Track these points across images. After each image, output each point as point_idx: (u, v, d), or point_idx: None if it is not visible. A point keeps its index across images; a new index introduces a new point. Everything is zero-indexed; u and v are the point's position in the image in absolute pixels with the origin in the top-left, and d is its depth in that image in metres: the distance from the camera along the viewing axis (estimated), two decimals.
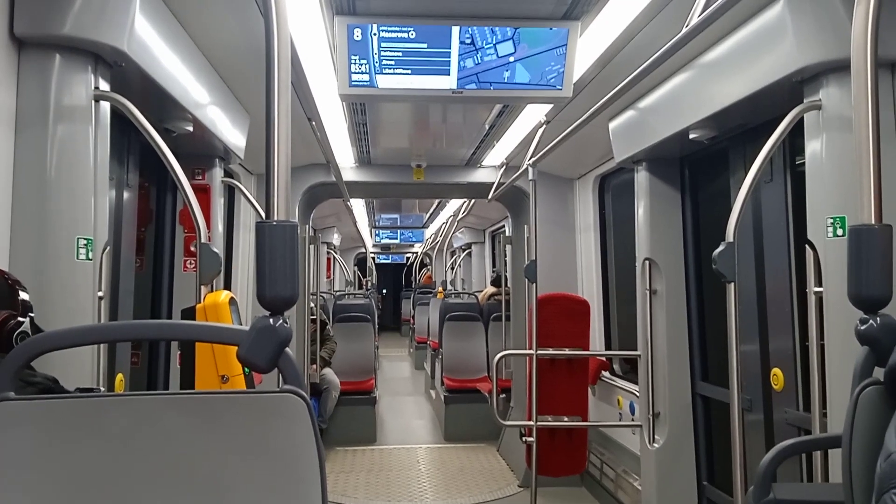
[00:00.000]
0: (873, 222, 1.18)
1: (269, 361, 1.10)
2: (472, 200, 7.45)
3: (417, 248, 16.01)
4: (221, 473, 1.10)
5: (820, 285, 2.32)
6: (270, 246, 1.11)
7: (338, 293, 10.81)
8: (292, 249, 1.13)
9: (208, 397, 1.16)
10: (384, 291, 20.82)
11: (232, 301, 2.35)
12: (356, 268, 17.14)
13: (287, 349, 1.12)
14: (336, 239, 12.42)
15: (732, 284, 2.44)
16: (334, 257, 13.18)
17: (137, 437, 1.10)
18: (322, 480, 1.11)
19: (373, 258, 16.15)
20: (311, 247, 5.48)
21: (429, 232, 13.20)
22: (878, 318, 1.17)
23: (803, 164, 2.43)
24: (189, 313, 2.33)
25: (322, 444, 1.13)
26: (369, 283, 14.02)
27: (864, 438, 1.14)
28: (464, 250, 12.90)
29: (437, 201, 9.34)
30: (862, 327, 1.18)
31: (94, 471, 1.09)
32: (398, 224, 13.08)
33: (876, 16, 1.18)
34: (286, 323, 1.12)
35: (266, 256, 1.11)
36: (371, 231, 13.68)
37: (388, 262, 20.70)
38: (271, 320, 1.11)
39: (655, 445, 3.72)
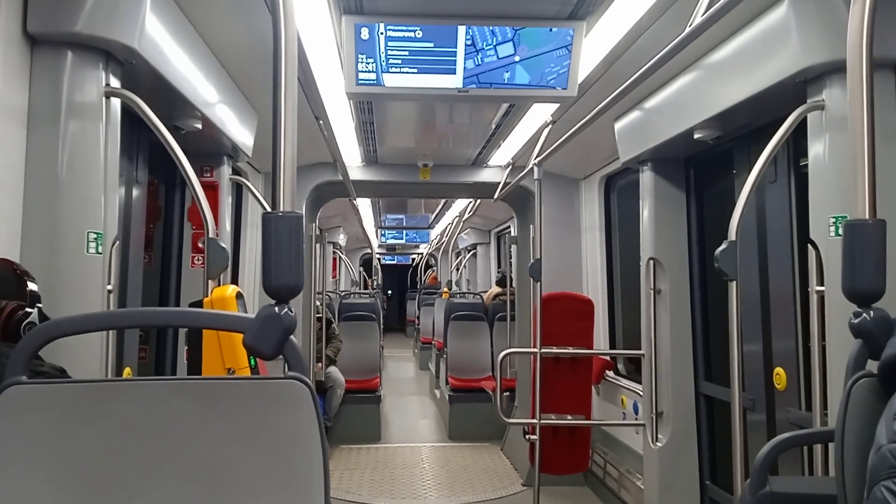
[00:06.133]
0: (867, 217, 1.20)
1: (274, 348, 1.12)
2: (478, 200, 7.47)
3: (423, 248, 16.02)
4: (225, 458, 1.12)
5: (822, 284, 2.34)
6: (276, 236, 1.14)
7: (343, 293, 10.84)
8: (297, 240, 1.15)
9: (214, 383, 1.19)
10: (389, 293, 20.83)
11: (238, 295, 2.38)
12: (362, 268, 17.17)
13: (292, 337, 1.15)
14: (342, 239, 12.45)
15: (734, 283, 2.46)
16: (340, 257, 13.22)
17: (144, 422, 1.13)
18: (325, 466, 1.14)
19: (378, 259, 16.19)
20: (318, 245, 5.51)
21: (434, 232, 13.22)
22: (872, 312, 1.19)
23: (807, 164, 2.45)
24: (196, 307, 2.36)
25: (325, 430, 1.15)
26: (375, 283, 14.04)
27: (856, 431, 1.16)
28: (469, 251, 12.91)
29: (442, 201, 9.36)
30: (855, 321, 1.20)
31: (102, 454, 1.11)
32: (404, 224, 13.10)
33: (871, 14, 1.20)
34: (291, 311, 1.14)
35: (272, 246, 1.14)
36: (377, 231, 13.71)
37: (394, 262, 20.71)
38: (276, 308, 1.13)
39: (658, 445, 3.73)
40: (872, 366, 1.18)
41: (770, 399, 3.10)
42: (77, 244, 2.11)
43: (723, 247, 2.40)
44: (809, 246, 2.38)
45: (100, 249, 2.16)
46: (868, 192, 1.20)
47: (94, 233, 2.15)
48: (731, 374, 2.50)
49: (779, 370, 2.99)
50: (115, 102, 2.27)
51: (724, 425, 3.42)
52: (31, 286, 1.77)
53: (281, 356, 1.16)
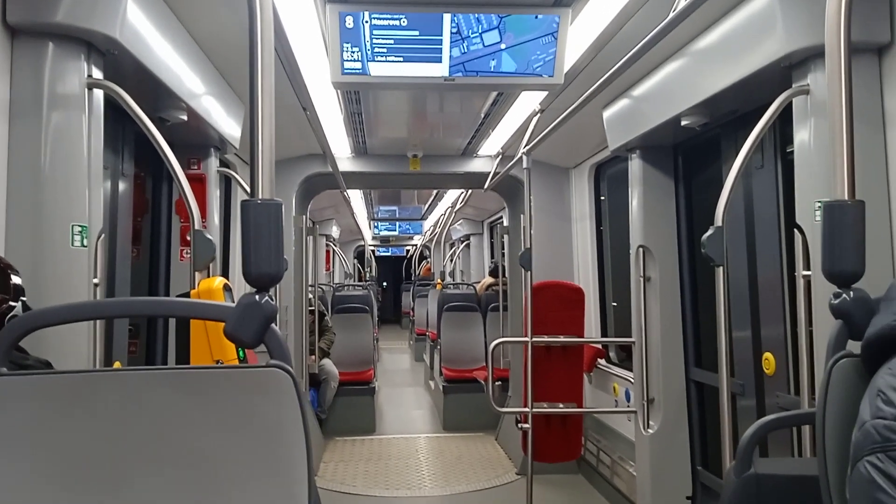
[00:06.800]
0: (846, 199, 1.20)
1: (254, 336, 1.12)
2: (469, 191, 7.47)
3: (417, 240, 16.01)
4: (209, 447, 1.12)
5: (808, 269, 2.35)
6: (256, 224, 1.14)
7: (336, 285, 10.83)
8: (277, 227, 1.15)
9: (197, 372, 1.18)
10: (384, 284, 20.83)
11: (226, 287, 2.38)
12: (356, 260, 17.16)
13: (273, 325, 1.14)
14: (335, 231, 12.42)
15: (721, 268, 2.47)
16: (334, 250, 13.20)
17: (127, 412, 1.12)
18: (308, 454, 1.14)
19: (372, 250, 16.19)
20: (309, 238, 5.49)
21: (427, 223, 13.21)
22: (851, 293, 1.19)
23: (793, 151, 2.45)
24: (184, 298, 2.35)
25: (309, 418, 1.15)
26: (368, 275, 14.03)
27: (837, 411, 1.16)
28: (462, 242, 12.91)
29: (434, 192, 9.34)
30: (835, 301, 1.20)
31: (84, 444, 1.11)
32: (397, 216, 13.08)
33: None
34: (272, 299, 1.14)
35: (251, 234, 1.13)
36: (370, 223, 13.69)
37: (388, 254, 20.71)
38: (257, 297, 1.13)
39: (650, 431, 3.75)
40: (853, 346, 1.18)
41: (759, 384, 3.12)
42: (61, 237, 2.10)
43: (709, 233, 2.40)
44: (796, 231, 2.39)
45: (85, 242, 2.15)
46: (847, 174, 1.20)
47: (79, 226, 2.14)
48: (720, 360, 2.51)
49: (767, 355, 3.01)
50: (98, 94, 2.25)
51: (715, 411, 3.43)
52: (15, 279, 1.76)
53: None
